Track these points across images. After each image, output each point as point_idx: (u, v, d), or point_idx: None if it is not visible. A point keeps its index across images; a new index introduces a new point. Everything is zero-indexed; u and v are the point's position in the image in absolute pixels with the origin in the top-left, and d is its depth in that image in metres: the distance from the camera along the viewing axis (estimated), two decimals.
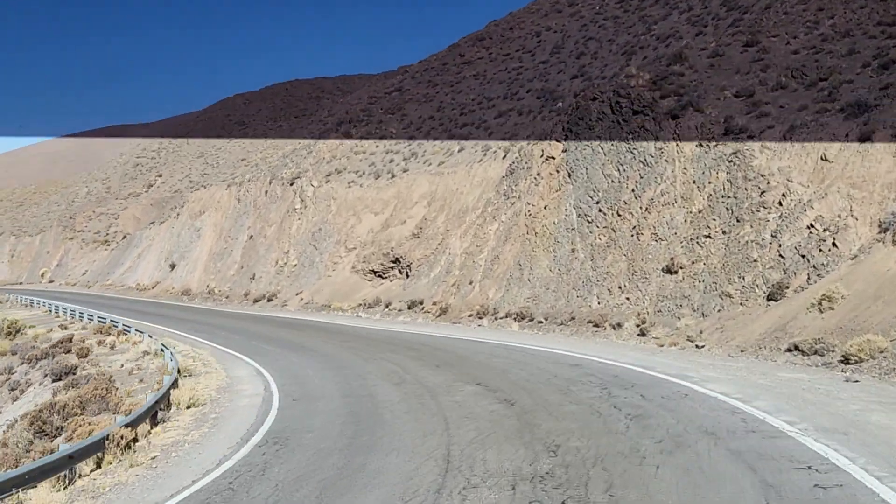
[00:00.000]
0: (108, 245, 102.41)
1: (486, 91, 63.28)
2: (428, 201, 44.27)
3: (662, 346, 21.45)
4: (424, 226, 42.23)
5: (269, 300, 47.32)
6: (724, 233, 24.12)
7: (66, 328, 31.00)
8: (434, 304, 34.62)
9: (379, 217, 46.90)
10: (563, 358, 18.85)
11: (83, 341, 25.03)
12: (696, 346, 20.57)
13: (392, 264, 42.76)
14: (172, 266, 66.46)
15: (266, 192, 59.24)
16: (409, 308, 35.92)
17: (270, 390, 16.40)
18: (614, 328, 24.44)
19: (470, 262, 35.41)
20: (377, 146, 56.42)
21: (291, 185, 56.26)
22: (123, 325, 29.31)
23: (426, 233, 41.52)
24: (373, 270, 43.60)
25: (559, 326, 26.48)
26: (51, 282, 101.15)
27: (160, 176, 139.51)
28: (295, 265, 49.64)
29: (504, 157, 40.99)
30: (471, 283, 34.04)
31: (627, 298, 25.66)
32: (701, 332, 21.46)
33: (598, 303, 26.58)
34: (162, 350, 20.67)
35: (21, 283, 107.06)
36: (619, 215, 28.12)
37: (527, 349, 20.86)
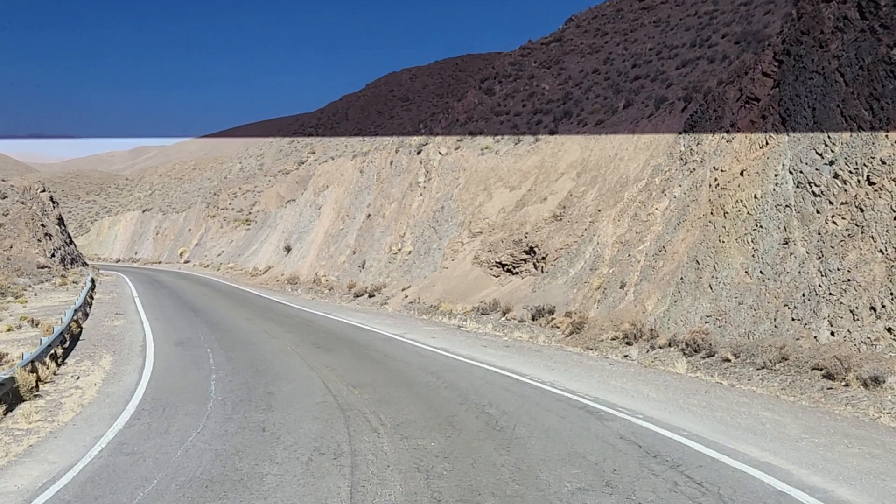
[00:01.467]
0: (248, 225, 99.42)
1: (669, 39, 52.34)
2: (577, 172, 34.50)
3: None
4: (569, 204, 32.54)
5: (370, 296, 39.27)
6: None
7: (36, 325, 24.22)
8: (567, 315, 24.96)
9: (514, 193, 37.61)
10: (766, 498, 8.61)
11: None
12: None
13: (524, 255, 33.43)
14: (288, 249, 60.37)
15: (391, 162, 51.42)
16: (533, 318, 26.47)
17: None
18: (865, 385, 13.94)
19: (624, 255, 25.47)
20: (524, 105, 47.06)
21: (419, 153, 48.05)
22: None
23: (571, 214, 31.84)
24: (499, 262, 34.45)
25: (758, 371, 16.15)
26: (186, 262, 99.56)
27: (313, 153, 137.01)
28: (409, 252, 41.33)
29: (684, 108, 30.53)
30: (622, 286, 24.11)
31: (889, 329, 14.99)
32: None
33: (832, 333, 16.02)
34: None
35: (160, 262, 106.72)
36: (871, 183, 17.32)
37: (677, 450, 10.58)
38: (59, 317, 25.71)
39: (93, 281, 49.00)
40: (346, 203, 55.26)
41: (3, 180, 65.99)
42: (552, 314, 25.92)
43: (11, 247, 52.96)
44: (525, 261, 33.65)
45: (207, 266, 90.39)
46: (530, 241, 33.07)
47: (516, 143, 40.85)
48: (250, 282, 57.88)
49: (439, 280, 36.40)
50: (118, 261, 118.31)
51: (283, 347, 20.73)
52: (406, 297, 36.23)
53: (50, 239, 58.56)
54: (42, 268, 51.94)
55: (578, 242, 29.56)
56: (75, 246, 73.38)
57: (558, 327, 24.51)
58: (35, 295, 38.94)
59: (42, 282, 47.92)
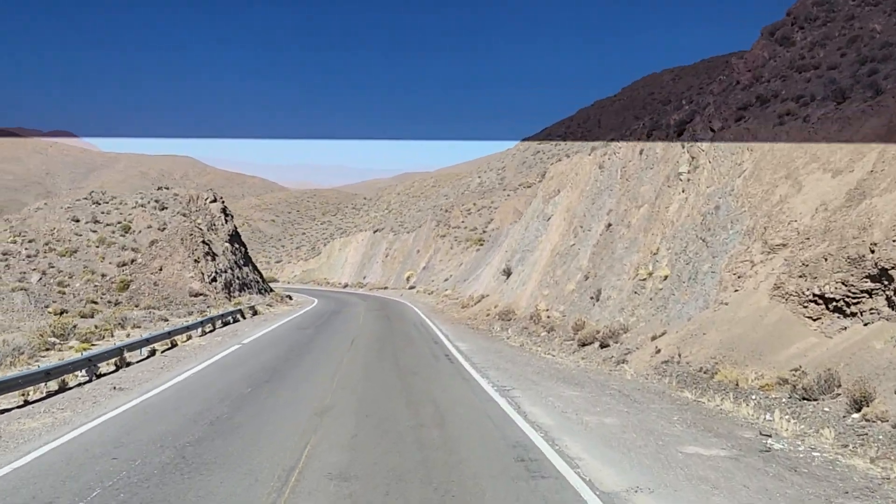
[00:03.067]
0: (481, 245, 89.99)
1: None
2: None
3: None
4: None
5: (602, 345, 26.75)
6: None
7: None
8: None
9: (842, 179, 23.66)
10: None
11: None
12: None
13: (869, 283, 19.55)
14: (507, 273, 49.12)
15: (640, 151, 38.64)
16: None
17: None
18: None
19: None
20: (842, 54, 32.47)
21: (679, 135, 34.98)
22: None
23: None
24: (820, 295, 20.72)
25: None
26: (411, 287, 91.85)
27: (560, 160, 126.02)
28: (665, 277, 28.37)
29: None
30: None
31: None
32: None
33: None
34: None
35: (386, 288, 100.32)
36: None
37: None
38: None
39: (239, 313, 40.50)
40: (579, 210, 43.05)
41: (167, 188, 60.44)
42: None
43: (161, 269, 46.16)
44: (871, 293, 19.70)
45: (431, 293, 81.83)
46: (881, 258, 19.15)
47: (839, 103, 26.70)
48: (456, 315, 47.29)
49: (714, 324, 23.13)
50: (346, 286, 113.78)
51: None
52: (657, 350, 23.29)
53: (213, 259, 51.20)
54: (196, 296, 44.57)
55: None
56: (253, 268, 65.52)
57: None
58: (128, 334, 30.59)
59: (190, 313, 40.18)
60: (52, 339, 27.23)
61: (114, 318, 34.57)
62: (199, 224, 53.77)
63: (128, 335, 30.58)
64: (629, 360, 23.85)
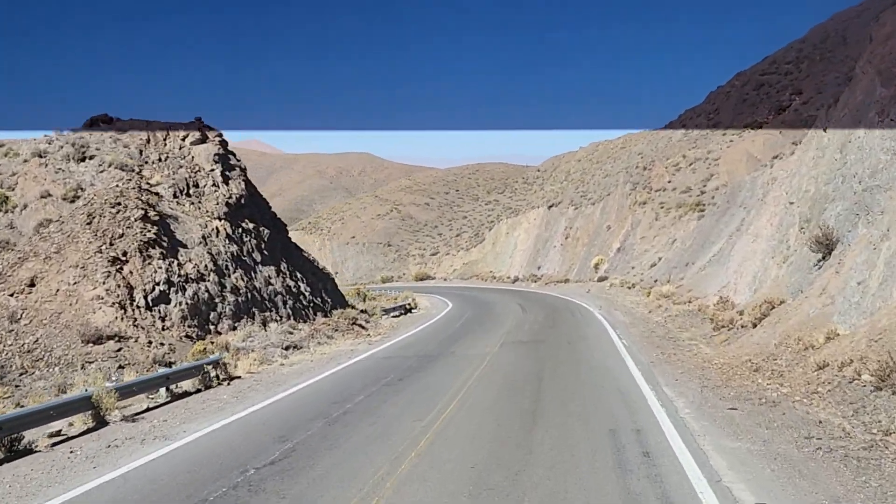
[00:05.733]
0: (702, 210, 61.74)
1: None
2: None
3: None
4: None
5: None
6: None
7: None
8: None
9: None
10: None
11: None
12: None
13: None
14: (826, 246, 21.69)
15: None
16: None
17: None
18: None
19: None
20: None
21: None
22: None
23: None
24: None
25: None
26: (602, 279, 64.97)
27: (798, 94, 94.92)
28: None
29: None
30: None
31: None
32: None
33: None
34: None
35: (567, 281, 74.01)
36: None
37: None
38: None
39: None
40: None
41: (108, 120, 35.05)
42: None
43: (33, 283, 22.60)
44: None
45: (633, 286, 54.76)
46: None
47: None
48: (710, 353, 20.66)
49: None
50: (515, 280, 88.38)
51: None
52: None
53: (167, 257, 25.14)
54: (99, 341, 20.63)
55: None
56: (291, 269, 37.05)
57: None
58: None
59: (70, 386, 15.94)
60: None
61: None
62: (150, 184, 28.98)
63: None
64: None
